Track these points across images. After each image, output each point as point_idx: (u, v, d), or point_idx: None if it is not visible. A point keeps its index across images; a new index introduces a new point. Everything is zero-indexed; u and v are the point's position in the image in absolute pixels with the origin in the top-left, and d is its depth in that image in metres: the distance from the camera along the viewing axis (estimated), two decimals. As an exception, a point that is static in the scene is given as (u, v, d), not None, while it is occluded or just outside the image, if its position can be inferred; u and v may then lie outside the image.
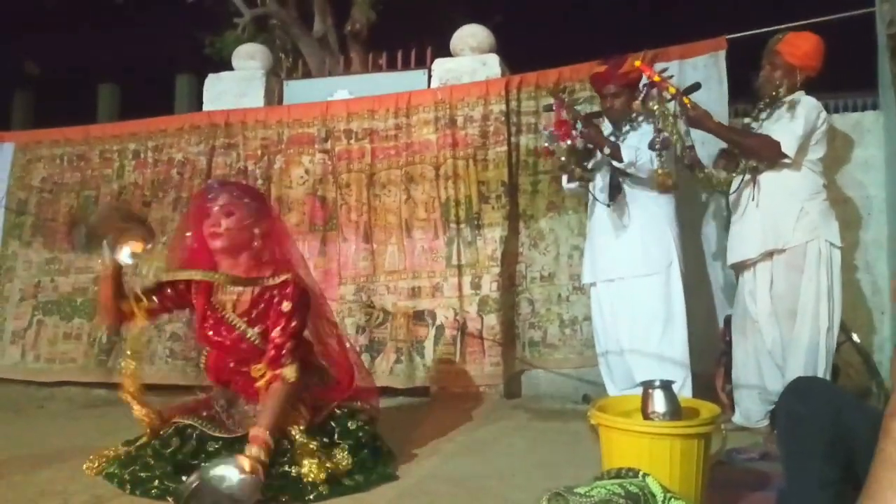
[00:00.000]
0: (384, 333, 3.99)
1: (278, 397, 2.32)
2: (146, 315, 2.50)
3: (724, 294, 3.55)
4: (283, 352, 2.36)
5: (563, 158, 3.07)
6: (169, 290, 2.54)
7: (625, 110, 3.21)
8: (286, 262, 2.53)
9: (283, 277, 2.44)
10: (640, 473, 1.73)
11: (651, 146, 2.91)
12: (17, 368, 4.47)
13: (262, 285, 2.44)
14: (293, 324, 2.40)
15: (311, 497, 2.23)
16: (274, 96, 4.73)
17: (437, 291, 3.95)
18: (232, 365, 2.51)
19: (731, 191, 3.14)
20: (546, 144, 3.13)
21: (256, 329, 2.42)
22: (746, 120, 3.16)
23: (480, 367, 3.82)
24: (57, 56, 10.26)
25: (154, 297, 2.51)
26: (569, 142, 3.04)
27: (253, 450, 2.19)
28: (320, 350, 2.65)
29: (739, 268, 3.15)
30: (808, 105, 2.96)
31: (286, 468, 2.27)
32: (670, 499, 1.68)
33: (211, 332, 2.47)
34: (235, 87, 4.70)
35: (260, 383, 2.36)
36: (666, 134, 2.88)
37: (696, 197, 3.58)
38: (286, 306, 2.40)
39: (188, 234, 2.53)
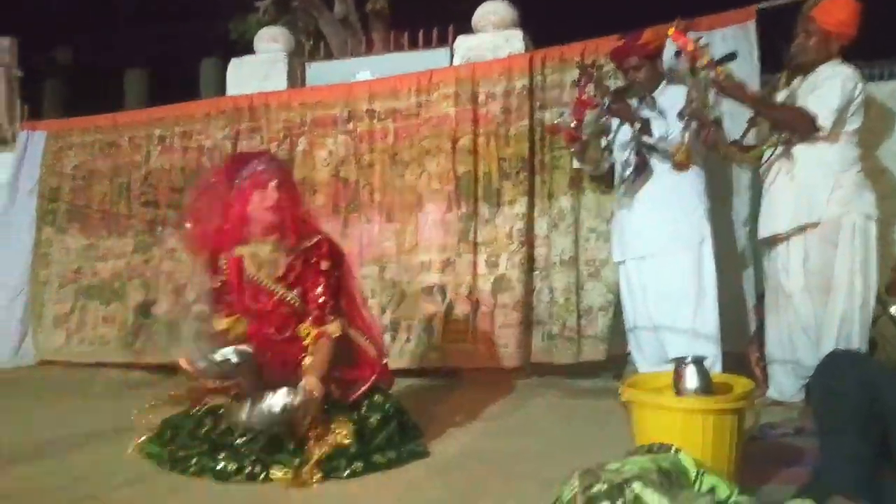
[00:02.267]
0: (399, 313, 3.94)
1: (325, 351, 2.41)
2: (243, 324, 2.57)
3: (756, 269, 3.49)
4: (326, 309, 2.45)
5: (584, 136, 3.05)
6: (227, 295, 2.58)
7: (648, 83, 3.15)
8: (314, 227, 2.63)
9: (315, 239, 2.51)
10: (673, 449, 1.73)
11: (680, 115, 2.86)
12: (62, 351, 4.59)
13: (298, 250, 2.50)
14: (332, 280, 2.49)
15: (345, 474, 2.27)
16: (297, 78, 4.73)
17: (448, 267, 3.87)
18: (272, 332, 2.54)
19: (761, 164, 3.07)
20: (557, 121, 3.10)
21: (295, 292, 2.49)
22: (782, 94, 3.07)
23: (491, 348, 3.74)
24: (85, 43, 10.39)
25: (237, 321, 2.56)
26: (573, 123, 3.02)
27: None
28: (352, 324, 2.65)
29: (771, 242, 3.09)
30: (844, 75, 2.87)
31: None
32: (703, 474, 1.68)
33: (250, 302, 2.53)
34: (258, 70, 4.71)
35: (307, 341, 2.44)
36: (697, 104, 2.82)
37: (726, 170, 3.51)
38: (324, 265, 2.48)
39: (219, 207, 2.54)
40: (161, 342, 4.30)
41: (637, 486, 1.48)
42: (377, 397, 2.56)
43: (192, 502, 2.15)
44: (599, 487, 1.51)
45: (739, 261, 3.50)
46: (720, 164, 3.37)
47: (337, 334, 2.45)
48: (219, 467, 2.28)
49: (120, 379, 4.18)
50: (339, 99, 4.25)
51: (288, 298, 2.50)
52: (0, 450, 2.69)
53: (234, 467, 2.26)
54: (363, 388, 2.52)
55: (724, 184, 3.51)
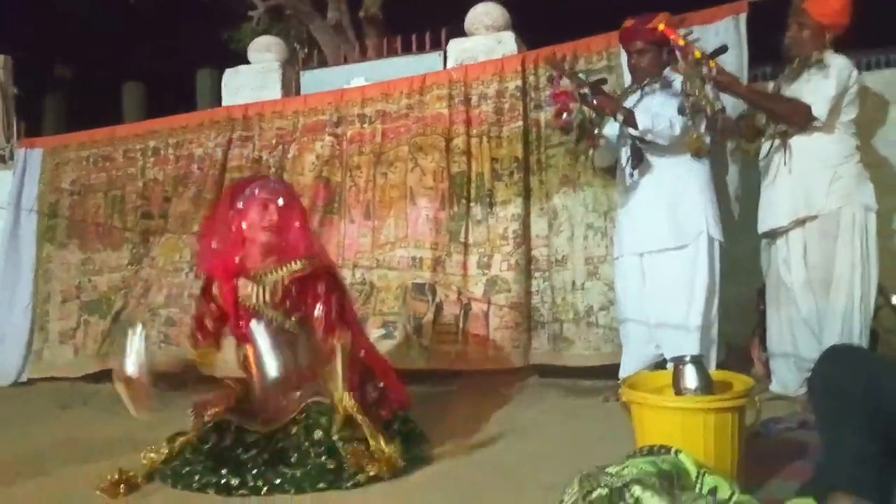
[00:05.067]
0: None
1: (339, 361, 2.36)
2: (214, 356, 2.60)
3: (757, 263, 3.46)
4: (332, 320, 2.44)
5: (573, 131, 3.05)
6: (209, 322, 2.58)
7: (650, 70, 3.12)
8: (317, 252, 2.63)
9: (312, 266, 2.51)
10: (673, 450, 1.72)
11: (680, 111, 2.84)
12: (71, 367, 4.55)
13: (293, 273, 2.49)
14: (333, 296, 2.49)
15: (349, 485, 2.26)
16: (291, 87, 4.74)
17: (439, 265, 3.81)
18: None
19: (761, 157, 3.07)
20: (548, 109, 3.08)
21: (293, 318, 2.48)
22: (772, 84, 3.08)
23: (483, 350, 3.67)
24: (82, 58, 10.42)
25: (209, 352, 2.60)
26: (564, 115, 3.00)
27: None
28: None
29: (771, 236, 3.09)
30: (838, 65, 2.87)
31: (322, 459, 2.29)
32: (704, 474, 1.68)
33: (247, 329, 2.52)
34: (253, 80, 4.71)
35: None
36: (694, 98, 2.80)
37: (726, 163, 3.48)
38: (321, 286, 2.49)
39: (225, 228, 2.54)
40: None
41: (637, 490, 1.47)
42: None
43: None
44: (600, 492, 1.50)
45: (741, 253, 3.47)
46: (720, 156, 3.34)
47: (347, 345, 2.42)
48: (222, 482, 2.27)
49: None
50: (332, 105, 4.24)
51: (286, 326, 2.50)
52: (1, 468, 2.69)
53: (238, 481, 2.26)
54: (386, 414, 2.54)
55: (724, 176, 3.48)
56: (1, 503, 2.30)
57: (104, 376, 4.33)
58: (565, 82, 3.09)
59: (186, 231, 4.29)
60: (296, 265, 2.49)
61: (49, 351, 4.65)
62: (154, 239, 4.45)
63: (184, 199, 4.42)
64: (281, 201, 2.50)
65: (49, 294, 4.72)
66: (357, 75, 4.53)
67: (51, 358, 4.64)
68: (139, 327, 2.43)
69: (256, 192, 2.50)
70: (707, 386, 2.01)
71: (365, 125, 4.16)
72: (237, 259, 2.51)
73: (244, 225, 2.48)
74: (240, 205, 2.49)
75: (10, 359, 4.65)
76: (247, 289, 2.49)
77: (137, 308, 4.31)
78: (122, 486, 2.28)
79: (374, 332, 3.75)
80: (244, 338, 2.56)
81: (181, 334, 4.00)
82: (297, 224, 2.55)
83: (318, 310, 2.46)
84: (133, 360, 2.35)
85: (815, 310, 2.92)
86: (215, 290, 2.55)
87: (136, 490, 2.31)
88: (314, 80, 4.71)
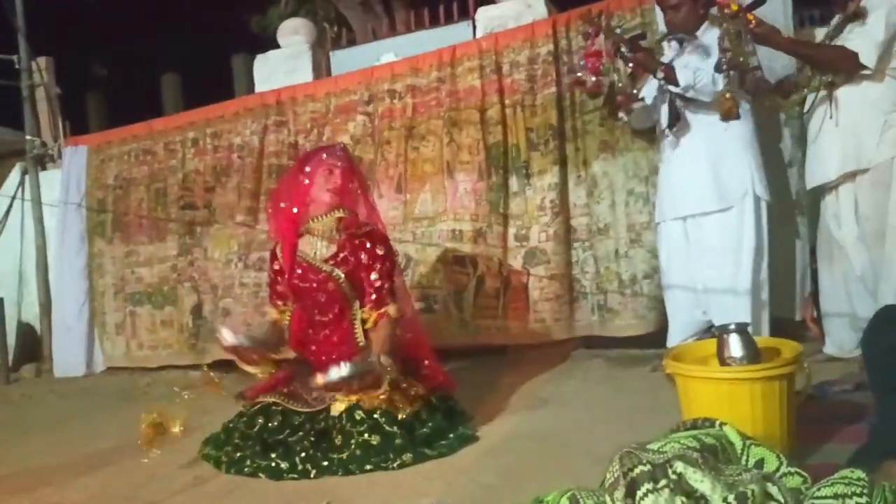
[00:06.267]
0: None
1: (386, 330, 2.55)
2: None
3: (807, 220, 3.33)
4: (384, 292, 2.59)
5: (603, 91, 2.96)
6: (279, 285, 2.77)
7: (687, 25, 3.01)
8: (374, 220, 2.79)
9: (369, 228, 2.67)
10: (717, 423, 1.68)
11: (717, 68, 2.73)
12: (125, 358, 4.78)
13: (349, 234, 2.65)
14: (388, 264, 2.63)
15: (395, 465, 2.29)
16: (322, 68, 4.73)
17: (480, 237, 3.79)
18: (316, 312, 2.66)
19: (805, 110, 2.93)
20: (579, 74, 3.01)
21: (341, 270, 2.61)
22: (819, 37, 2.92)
23: (524, 324, 3.65)
24: (119, 53, 10.61)
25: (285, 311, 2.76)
26: (594, 78, 2.91)
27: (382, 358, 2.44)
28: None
29: (820, 192, 2.97)
30: (889, 6, 2.70)
31: (366, 436, 2.34)
32: (750, 446, 1.64)
33: (297, 281, 2.66)
34: (283, 64, 4.71)
35: (368, 325, 2.60)
36: (732, 54, 2.69)
37: (773, 117, 3.34)
38: (380, 249, 2.63)
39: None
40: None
41: (679, 466, 1.44)
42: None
43: (249, 501, 2.20)
44: (641, 469, 1.47)
45: (790, 211, 3.34)
46: (765, 114, 3.21)
47: (396, 316, 2.59)
48: (272, 465, 2.34)
49: (180, 381, 4.31)
50: (362, 84, 4.21)
51: (333, 274, 2.60)
52: (63, 460, 2.82)
53: (287, 465, 2.32)
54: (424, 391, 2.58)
55: (772, 131, 3.34)
56: (77, 494, 2.40)
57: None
58: (601, 39, 3.00)
59: (233, 221, 4.38)
60: (342, 212, 2.65)
61: (109, 343, 4.85)
62: (201, 230, 4.54)
63: (227, 189, 4.48)
64: (343, 166, 2.69)
65: (105, 288, 4.90)
66: (386, 51, 4.50)
67: (110, 350, 4.83)
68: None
69: (324, 157, 2.69)
70: (753, 354, 1.95)
71: (395, 100, 4.13)
72: (298, 213, 2.68)
73: (311, 186, 2.66)
74: (308, 168, 2.68)
75: (77, 351, 4.86)
76: (307, 246, 2.67)
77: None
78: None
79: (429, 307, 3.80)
80: (294, 289, 2.69)
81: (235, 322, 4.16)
82: (357, 189, 2.74)
83: (375, 275, 2.60)
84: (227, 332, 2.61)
85: (869, 265, 2.81)
86: (278, 251, 2.74)
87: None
88: (344, 60, 4.69)
